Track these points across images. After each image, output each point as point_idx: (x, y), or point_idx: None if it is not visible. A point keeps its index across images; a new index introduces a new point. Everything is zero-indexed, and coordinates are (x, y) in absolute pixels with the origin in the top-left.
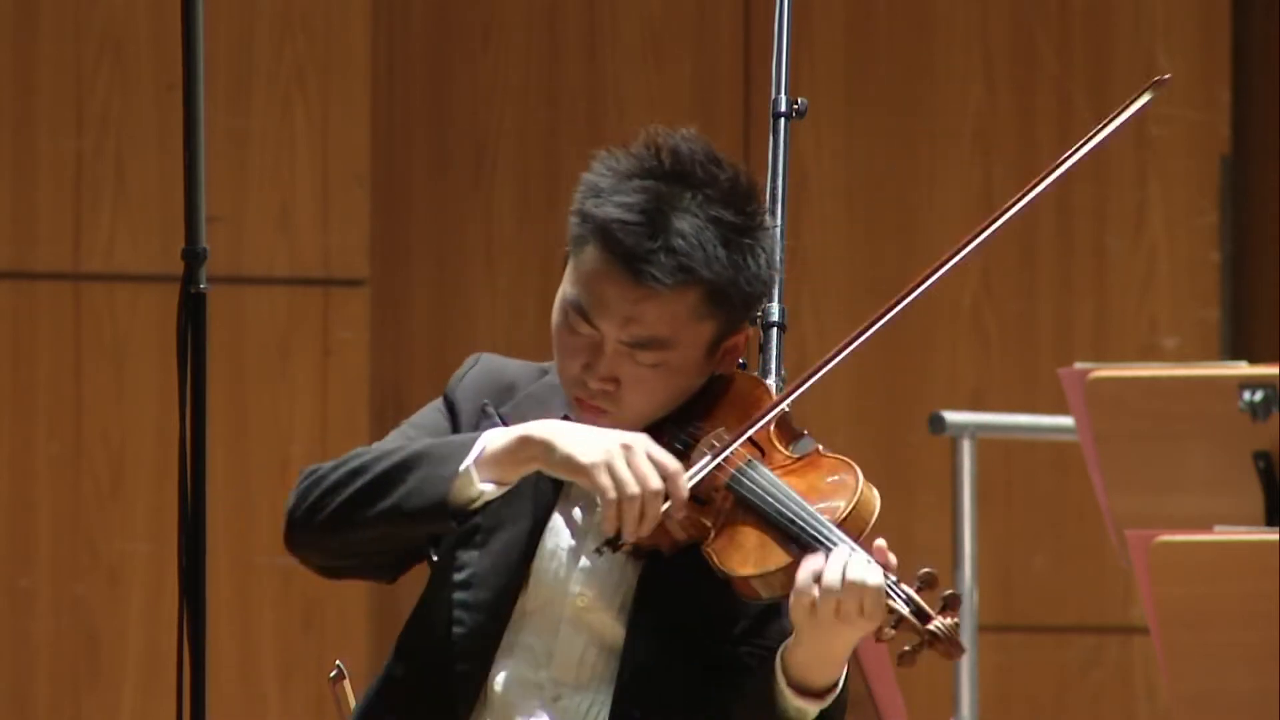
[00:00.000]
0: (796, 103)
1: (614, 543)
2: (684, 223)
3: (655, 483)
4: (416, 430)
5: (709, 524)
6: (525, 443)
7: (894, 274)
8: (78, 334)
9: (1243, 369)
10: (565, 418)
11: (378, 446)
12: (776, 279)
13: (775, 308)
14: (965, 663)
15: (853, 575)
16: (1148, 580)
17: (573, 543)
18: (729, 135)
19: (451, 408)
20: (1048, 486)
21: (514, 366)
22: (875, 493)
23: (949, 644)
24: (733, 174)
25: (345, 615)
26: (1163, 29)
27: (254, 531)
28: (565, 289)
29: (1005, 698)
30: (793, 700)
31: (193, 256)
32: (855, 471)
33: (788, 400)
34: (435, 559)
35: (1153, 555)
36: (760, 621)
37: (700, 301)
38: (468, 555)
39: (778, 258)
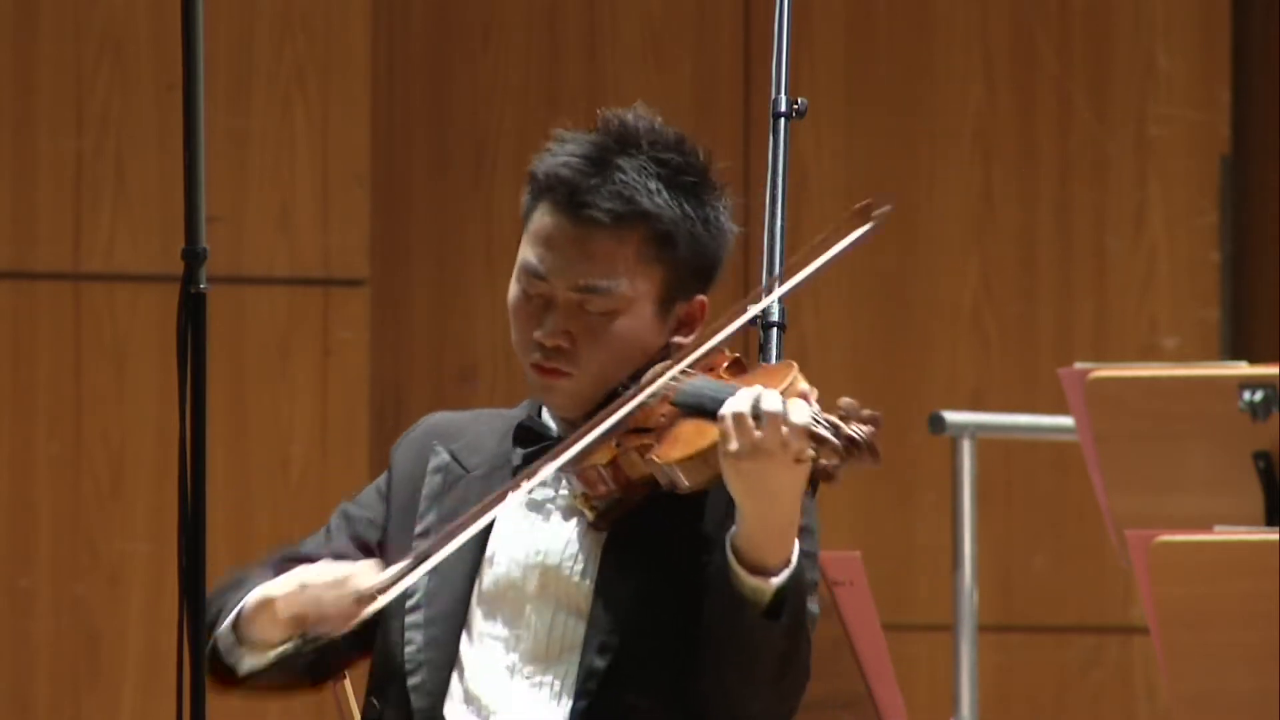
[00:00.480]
0: (796, 103)
1: (307, 640)
2: (626, 163)
3: (335, 573)
4: (347, 513)
5: (650, 441)
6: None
7: (894, 274)
8: (78, 334)
9: (1243, 369)
10: (519, 431)
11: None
12: (727, 245)
13: (775, 307)
14: (965, 663)
15: (766, 406)
16: (1148, 580)
17: (530, 520)
18: (729, 135)
19: (389, 470)
20: (1048, 486)
21: (468, 414)
22: (808, 383)
23: (867, 451)
24: (679, 135)
25: None
26: (1163, 29)
27: (254, 531)
28: (518, 260)
29: (1005, 698)
30: (747, 580)
31: (193, 256)
32: (791, 365)
33: (710, 345)
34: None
35: (1153, 555)
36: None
37: (645, 242)
38: (417, 582)
39: (729, 229)
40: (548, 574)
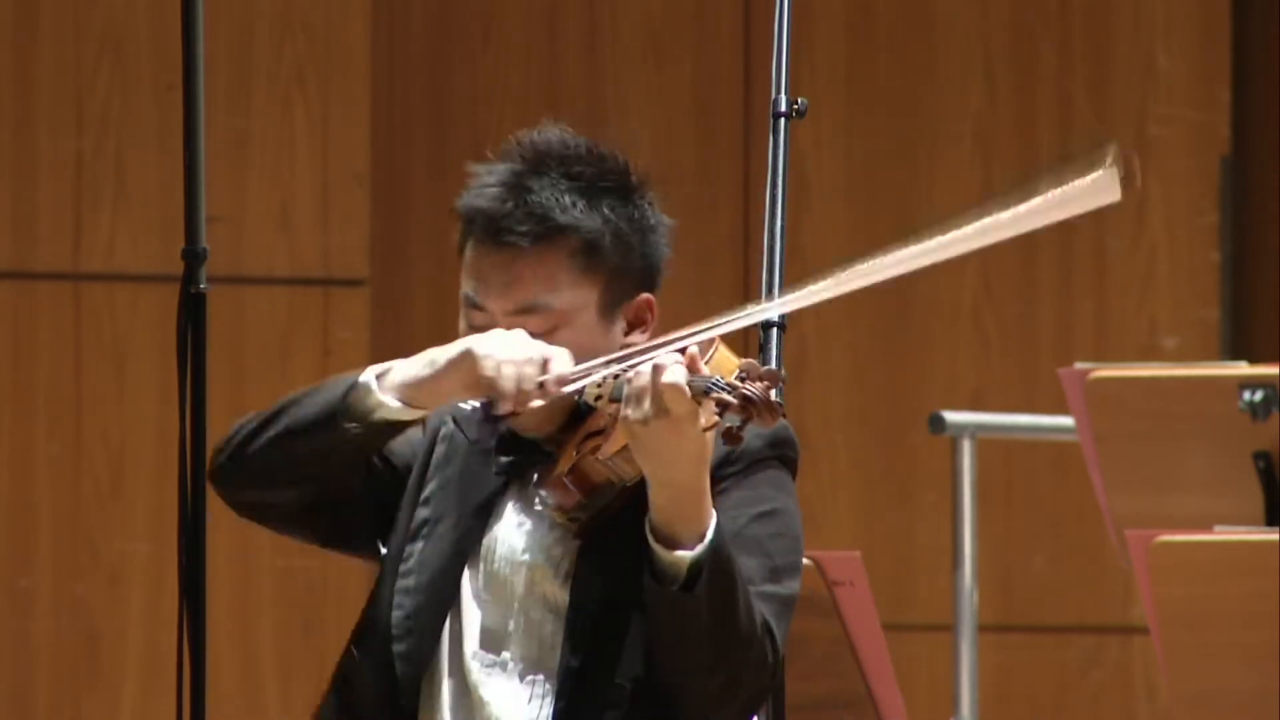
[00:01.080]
0: (796, 103)
1: (493, 418)
2: (539, 184)
3: (530, 352)
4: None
5: (601, 442)
6: (426, 354)
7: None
8: (78, 334)
9: (1243, 369)
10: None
11: None
12: (660, 241)
13: (775, 309)
14: (965, 663)
15: (644, 371)
16: (1148, 580)
17: (523, 523)
18: (729, 135)
19: (424, 426)
20: (1048, 486)
21: None
22: (735, 356)
23: (764, 406)
24: (589, 143)
25: (345, 615)
26: (1163, 29)
27: (254, 531)
28: (460, 295)
29: (1005, 698)
30: (663, 555)
31: (193, 256)
32: (715, 340)
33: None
34: (385, 552)
35: (1153, 555)
36: None
37: (571, 256)
38: (413, 546)
39: (658, 216)
40: (534, 574)
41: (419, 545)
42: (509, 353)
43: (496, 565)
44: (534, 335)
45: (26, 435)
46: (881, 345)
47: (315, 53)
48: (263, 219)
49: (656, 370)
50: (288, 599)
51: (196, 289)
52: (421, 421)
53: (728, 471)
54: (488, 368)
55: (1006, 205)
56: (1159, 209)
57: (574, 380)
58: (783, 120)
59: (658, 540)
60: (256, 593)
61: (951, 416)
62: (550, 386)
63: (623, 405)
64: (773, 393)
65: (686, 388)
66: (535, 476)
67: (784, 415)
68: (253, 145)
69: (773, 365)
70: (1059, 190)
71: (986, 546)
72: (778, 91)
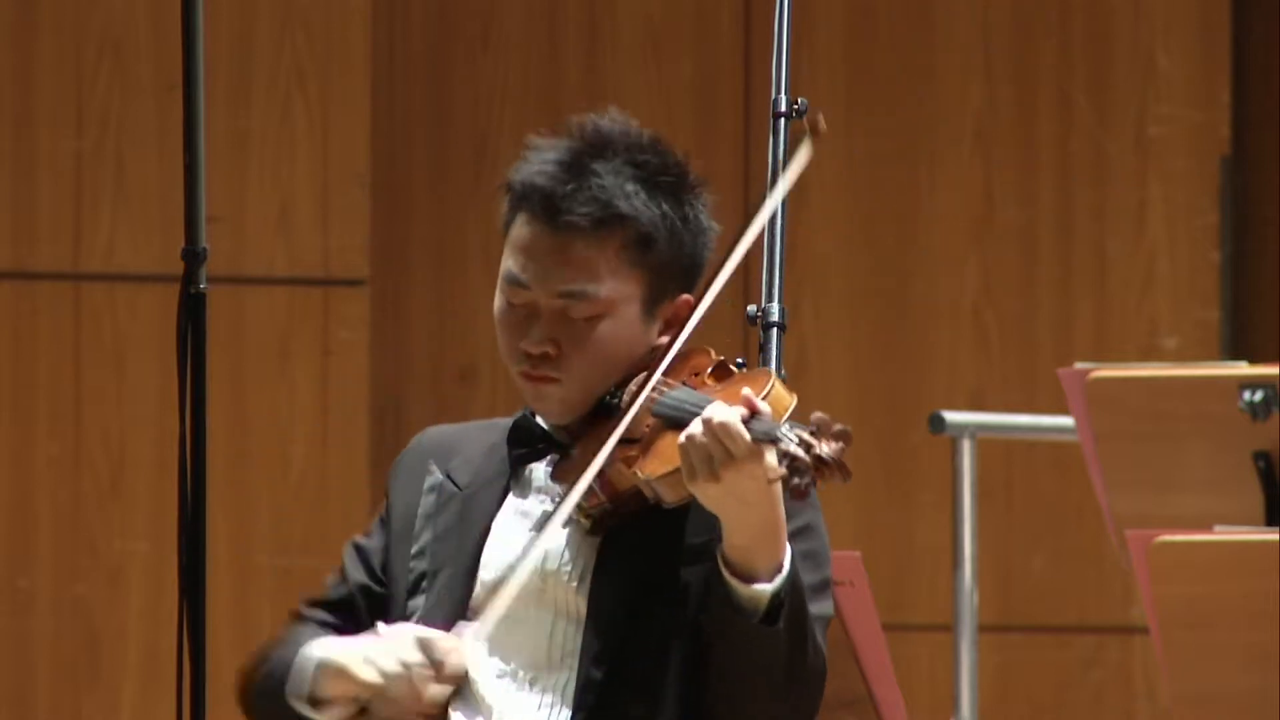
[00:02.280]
0: (796, 103)
1: None
2: (602, 167)
3: (415, 657)
4: (358, 545)
5: (636, 453)
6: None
7: (894, 274)
8: (78, 334)
9: (1243, 369)
10: (513, 432)
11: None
12: (708, 243)
13: (775, 308)
14: (965, 663)
15: (710, 415)
16: (1148, 580)
17: (526, 525)
18: (729, 135)
19: (386, 496)
20: (1048, 486)
21: (461, 428)
22: (788, 391)
23: (837, 469)
24: (655, 136)
25: None
26: (1163, 29)
27: (254, 531)
28: (501, 270)
29: (1005, 698)
30: (740, 589)
31: (193, 256)
32: (769, 373)
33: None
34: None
35: (1153, 555)
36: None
37: (625, 245)
38: (415, 602)
39: (710, 227)
40: (546, 579)
41: (420, 600)
42: (392, 665)
43: (503, 574)
44: (575, 320)
45: (26, 435)
46: (881, 345)
47: (315, 53)
48: (263, 219)
49: (710, 425)
50: (288, 599)
51: (196, 289)
52: (385, 508)
53: None
54: (375, 683)
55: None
56: (1159, 209)
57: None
58: (783, 120)
59: (733, 574)
60: (256, 593)
61: (951, 416)
62: (448, 681)
63: (689, 459)
64: (844, 453)
65: (746, 434)
66: (549, 469)
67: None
68: (253, 145)
69: (841, 425)
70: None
71: (986, 546)
72: (778, 91)
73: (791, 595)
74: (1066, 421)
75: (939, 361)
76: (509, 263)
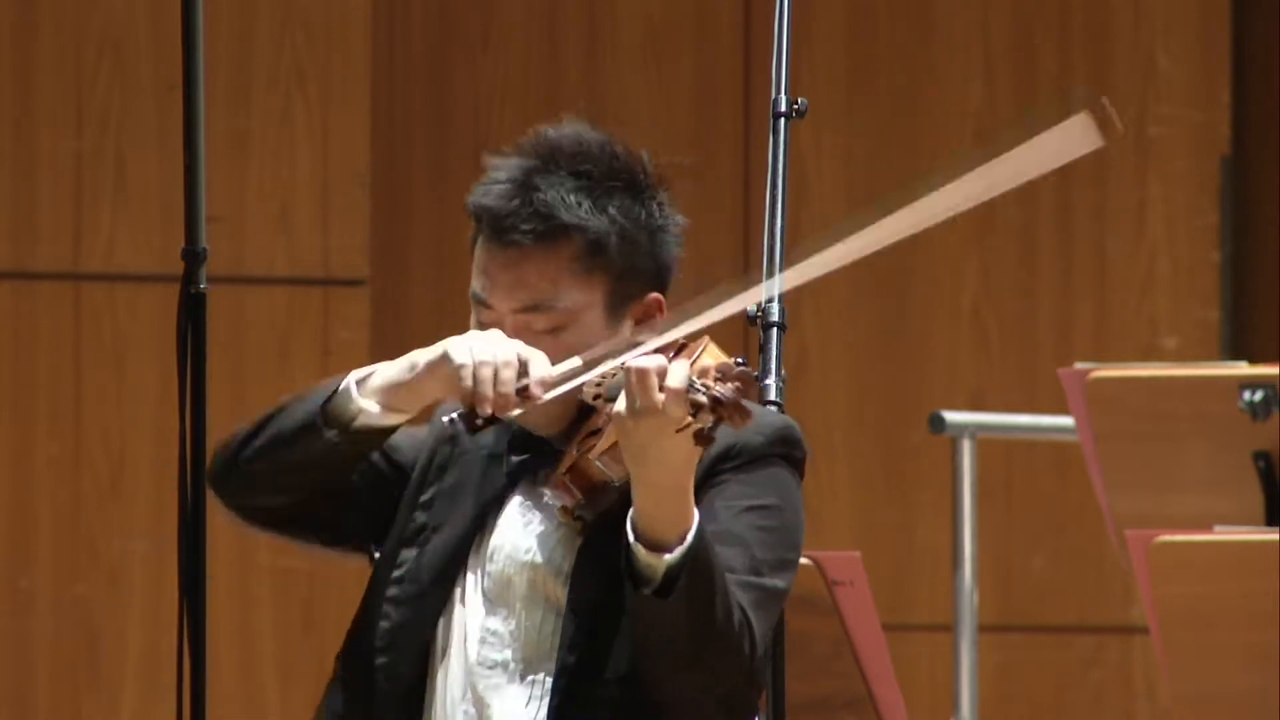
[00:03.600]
0: (796, 103)
1: (470, 420)
2: (545, 183)
3: (507, 354)
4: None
5: (595, 441)
6: (406, 358)
7: (894, 274)
8: (78, 334)
9: (1243, 369)
10: (513, 439)
11: None
12: (669, 240)
13: (775, 308)
14: (965, 663)
15: (629, 363)
16: (1148, 580)
17: (529, 522)
18: (729, 135)
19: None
20: (1048, 486)
21: None
22: (721, 353)
23: (732, 408)
24: (604, 140)
25: (345, 615)
26: (1163, 29)
27: (254, 532)
28: (470, 290)
29: (1005, 698)
30: (643, 556)
31: (193, 256)
32: (705, 339)
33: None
34: (377, 555)
35: (1153, 555)
36: None
37: (576, 255)
38: (407, 553)
39: (669, 217)
40: (536, 573)
41: (413, 552)
42: (486, 355)
43: (501, 566)
44: (539, 333)
45: (26, 435)
46: (881, 345)
47: (315, 53)
48: (263, 219)
49: (630, 371)
50: (287, 599)
51: (196, 289)
52: (417, 422)
53: (726, 465)
54: (465, 373)
55: (984, 162)
56: (1159, 209)
57: (556, 384)
58: (783, 120)
59: (639, 539)
60: (256, 593)
61: (951, 416)
62: (532, 390)
63: (618, 400)
64: (744, 393)
65: (654, 380)
66: (543, 475)
67: (783, 413)
68: (253, 145)
69: (747, 367)
70: (1035, 141)
71: (986, 546)
72: (778, 91)
73: (692, 566)
74: (1066, 421)
75: (939, 361)
76: (473, 283)
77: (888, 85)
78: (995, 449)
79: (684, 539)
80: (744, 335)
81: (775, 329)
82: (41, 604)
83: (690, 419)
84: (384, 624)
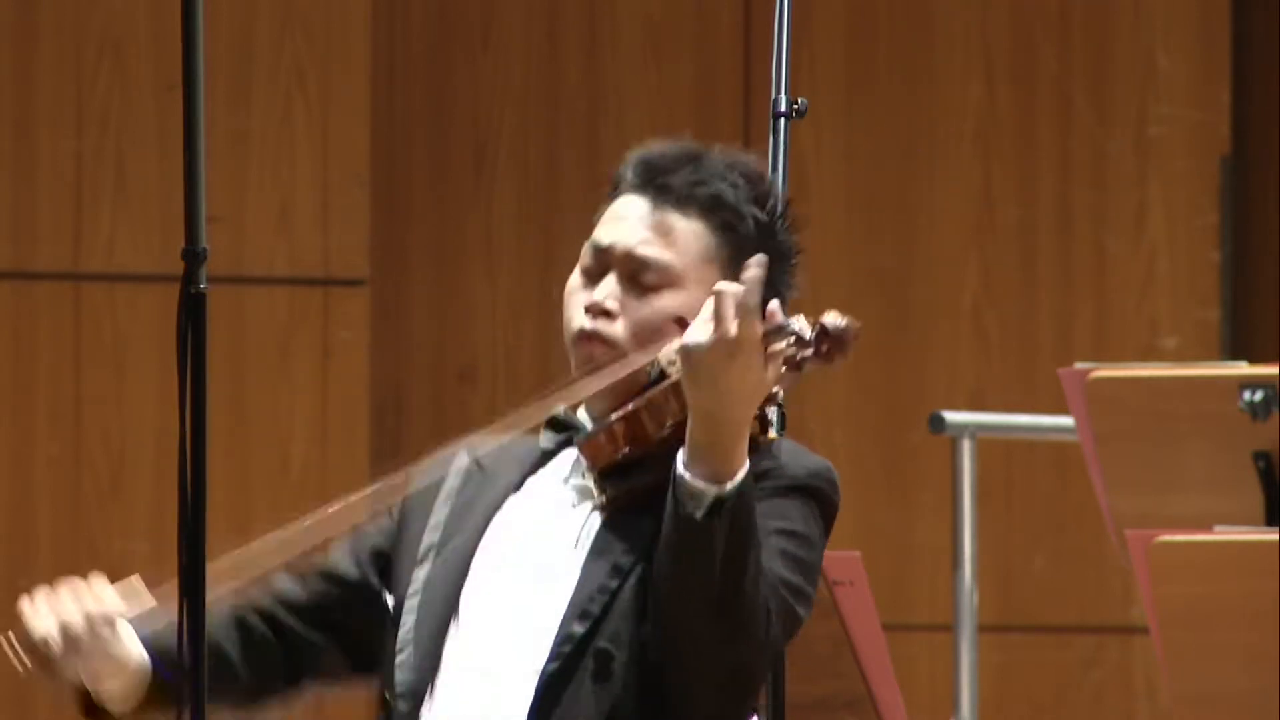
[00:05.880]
0: (796, 103)
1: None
2: (712, 161)
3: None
4: (356, 531)
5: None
6: None
7: (894, 274)
8: (78, 334)
9: (1243, 369)
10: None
11: None
12: (789, 267)
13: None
14: (965, 663)
15: (721, 288)
16: (1148, 580)
17: (547, 499)
18: (729, 135)
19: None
20: (1048, 486)
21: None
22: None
23: (837, 341)
24: (763, 171)
25: None
26: (1163, 29)
27: (254, 531)
28: (584, 247)
29: (1005, 698)
30: (690, 482)
31: (193, 256)
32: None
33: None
34: (392, 599)
35: (1153, 555)
36: None
37: (712, 230)
38: (421, 571)
39: (794, 252)
40: (551, 549)
41: (425, 569)
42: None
43: (516, 541)
44: (644, 288)
45: (26, 435)
46: (881, 345)
47: (315, 53)
48: (263, 219)
49: (722, 295)
50: None
51: (196, 289)
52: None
53: (762, 485)
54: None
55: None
56: (1159, 209)
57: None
58: (783, 120)
59: (687, 469)
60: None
61: (951, 416)
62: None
63: (703, 321)
64: (850, 333)
65: (755, 310)
66: (578, 443)
67: (782, 412)
68: (253, 145)
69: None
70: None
71: (986, 546)
72: (778, 91)
73: (737, 505)
74: (1066, 421)
75: (939, 361)
76: (597, 233)
77: (888, 85)
78: (995, 449)
79: (735, 476)
80: None
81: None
82: None
83: (784, 344)
84: (403, 629)
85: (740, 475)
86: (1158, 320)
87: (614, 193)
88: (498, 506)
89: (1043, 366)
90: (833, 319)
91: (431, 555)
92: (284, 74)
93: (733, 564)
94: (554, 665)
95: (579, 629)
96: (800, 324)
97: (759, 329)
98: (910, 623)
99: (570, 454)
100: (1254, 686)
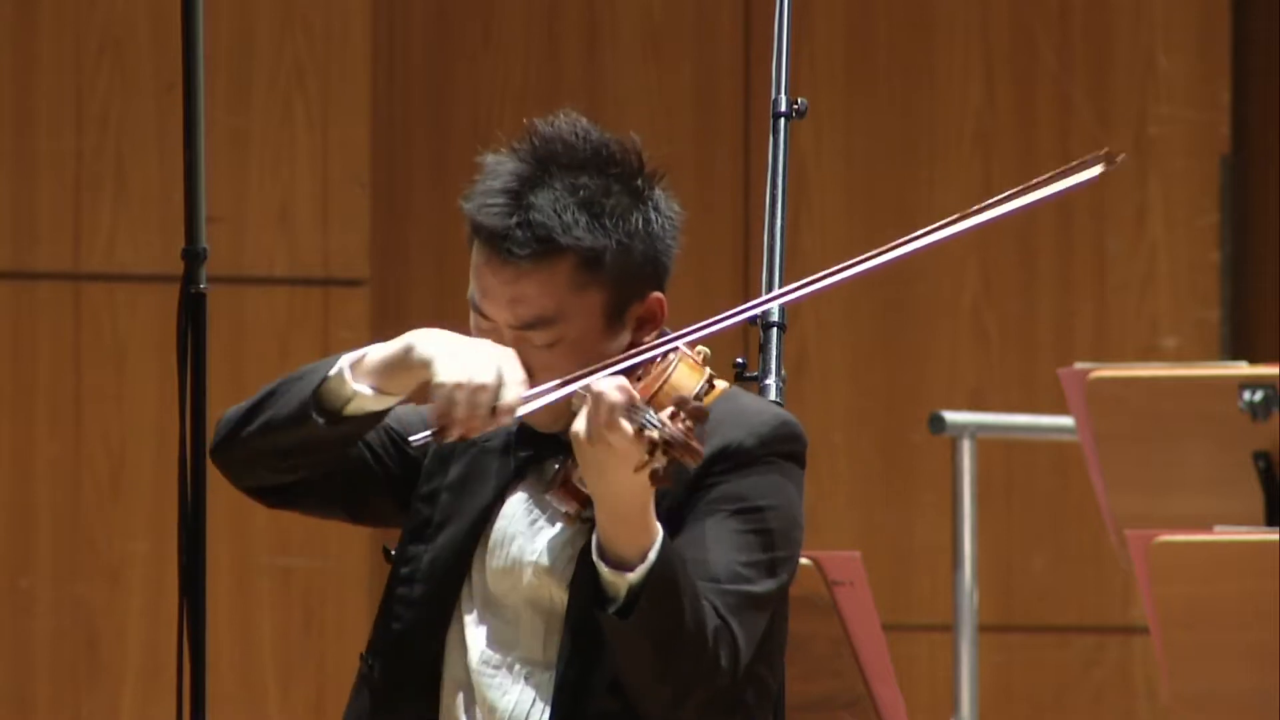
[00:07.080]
0: (796, 103)
1: (440, 437)
2: (541, 197)
3: (485, 376)
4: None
5: None
6: (400, 343)
7: (894, 274)
8: (78, 334)
9: (1243, 369)
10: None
11: None
12: (667, 238)
13: (775, 308)
14: (965, 663)
15: (591, 384)
16: (1148, 580)
17: (535, 520)
18: (729, 135)
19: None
20: (1048, 486)
21: None
22: (694, 367)
23: (683, 449)
24: (599, 142)
25: (345, 615)
26: (1163, 29)
27: (254, 531)
28: (469, 289)
29: (1005, 698)
30: (605, 573)
31: (193, 256)
32: (678, 352)
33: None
34: (393, 553)
35: (1153, 555)
36: None
37: (573, 270)
38: (415, 549)
39: (665, 214)
40: (540, 575)
41: (420, 549)
42: (464, 376)
43: (507, 564)
44: (538, 347)
45: (26, 435)
46: (881, 345)
47: (315, 53)
48: (263, 219)
49: (594, 397)
50: (287, 599)
51: (196, 289)
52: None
53: (718, 469)
54: (442, 393)
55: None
56: (1159, 209)
57: (529, 403)
58: (783, 120)
59: (601, 556)
60: (256, 592)
61: (951, 416)
62: (500, 416)
63: (579, 417)
64: (694, 432)
65: (609, 408)
66: (549, 468)
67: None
68: (253, 145)
69: (702, 404)
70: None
71: (986, 546)
72: (778, 91)
73: (654, 584)
74: (1066, 421)
75: (939, 361)
76: (472, 286)
77: (888, 85)
78: (995, 449)
79: (645, 557)
80: (744, 335)
81: (775, 329)
82: (41, 604)
83: (646, 457)
84: (396, 625)
85: (652, 553)
86: (1158, 320)
87: (467, 235)
88: (493, 504)
89: (1043, 366)
90: (677, 429)
91: (425, 537)
92: (284, 74)
93: (666, 639)
94: (559, 715)
95: (572, 675)
96: (653, 427)
97: (627, 430)
98: (910, 623)
99: (546, 457)
100: (1254, 686)
